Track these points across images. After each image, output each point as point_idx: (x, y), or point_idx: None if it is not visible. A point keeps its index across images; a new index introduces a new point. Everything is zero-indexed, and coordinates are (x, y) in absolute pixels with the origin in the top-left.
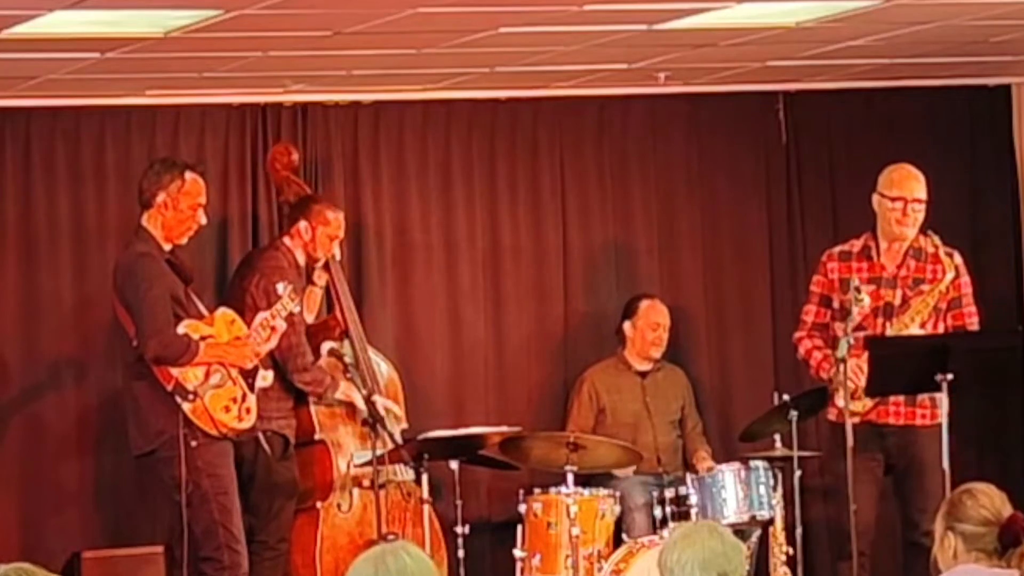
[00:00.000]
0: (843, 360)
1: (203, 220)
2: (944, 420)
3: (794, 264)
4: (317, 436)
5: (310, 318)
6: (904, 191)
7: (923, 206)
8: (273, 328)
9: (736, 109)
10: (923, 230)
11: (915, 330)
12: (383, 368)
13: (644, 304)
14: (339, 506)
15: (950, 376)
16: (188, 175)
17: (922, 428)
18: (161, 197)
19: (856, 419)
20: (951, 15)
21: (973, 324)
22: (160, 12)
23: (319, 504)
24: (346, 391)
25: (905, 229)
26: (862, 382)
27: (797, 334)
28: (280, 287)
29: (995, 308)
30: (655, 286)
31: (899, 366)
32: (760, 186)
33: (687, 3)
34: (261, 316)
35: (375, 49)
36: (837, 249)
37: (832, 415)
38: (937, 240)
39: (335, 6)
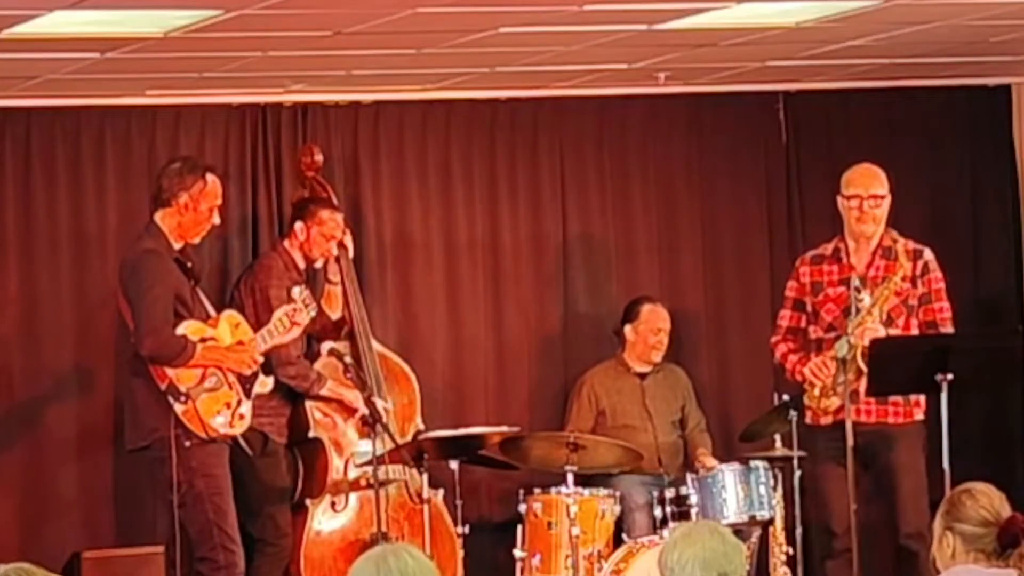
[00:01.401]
0: (843, 360)
1: (217, 221)
2: (944, 420)
3: (794, 264)
4: (311, 434)
5: (334, 316)
6: (859, 188)
7: (881, 201)
8: (297, 324)
9: (736, 109)
10: (887, 227)
11: (874, 326)
12: (388, 403)
13: (646, 308)
14: (333, 505)
15: (950, 376)
16: (210, 177)
17: (895, 427)
18: (183, 198)
19: (829, 418)
20: (951, 15)
21: (945, 320)
22: (160, 12)
23: (308, 502)
24: (333, 388)
25: (864, 226)
26: (828, 380)
27: (773, 339)
28: (296, 291)
29: (995, 308)
30: (655, 286)
31: (899, 366)
32: (760, 186)
33: (687, 3)
34: (282, 310)
35: (375, 49)
36: (810, 254)
37: (807, 418)
38: (895, 235)
39: (335, 6)
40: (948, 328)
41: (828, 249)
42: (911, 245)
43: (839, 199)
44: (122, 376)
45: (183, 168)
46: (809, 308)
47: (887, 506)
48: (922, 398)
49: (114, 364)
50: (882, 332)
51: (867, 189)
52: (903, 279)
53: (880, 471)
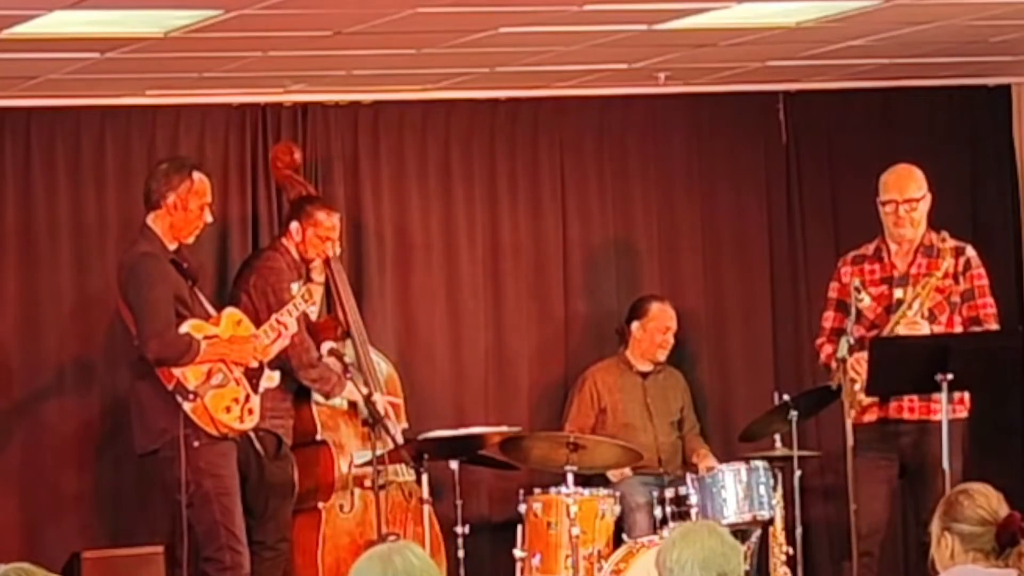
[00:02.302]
0: (843, 359)
1: (209, 219)
2: (944, 420)
3: (794, 264)
4: (319, 436)
5: (312, 315)
6: (893, 193)
7: (918, 204)
8: (285, 325)
9: (736, 109)
10: (932, 226)
11: (920, 321)
12: (383, 367)
13: (655, 306)
14: (340, 507)
15: (950, 376)
16: (196, 175)
17: (937, 424)
18: (171, 198)
19: (873, 416)
20: (951, 15)
21: (988, 316)
22: (160, 12)
23: (321, 505)
24: (353, 390)
25: (903, 230)
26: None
27: (818, 340)
28: (294, 287)
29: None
30: (655, 286)
31: (899, 366)
32: (760, 186)
33: (687, 3)
34: (274, 317)
35: (375, 49)
36: (851, 254)
37: (851, 417)
38: (945, 235)
39: (335, 6)
40: (992, 324)
41: (870, 249)
42: (952, 242)
43: (878, 202)
44: (123, 377)
45: (169, 168)
46: (845, 316)
47: (920, 503)
48: (966, 394)
49: (114, 364)
50: (925, 328)
51: (902, 193)
52: (944, 276)
53: (920, 468)
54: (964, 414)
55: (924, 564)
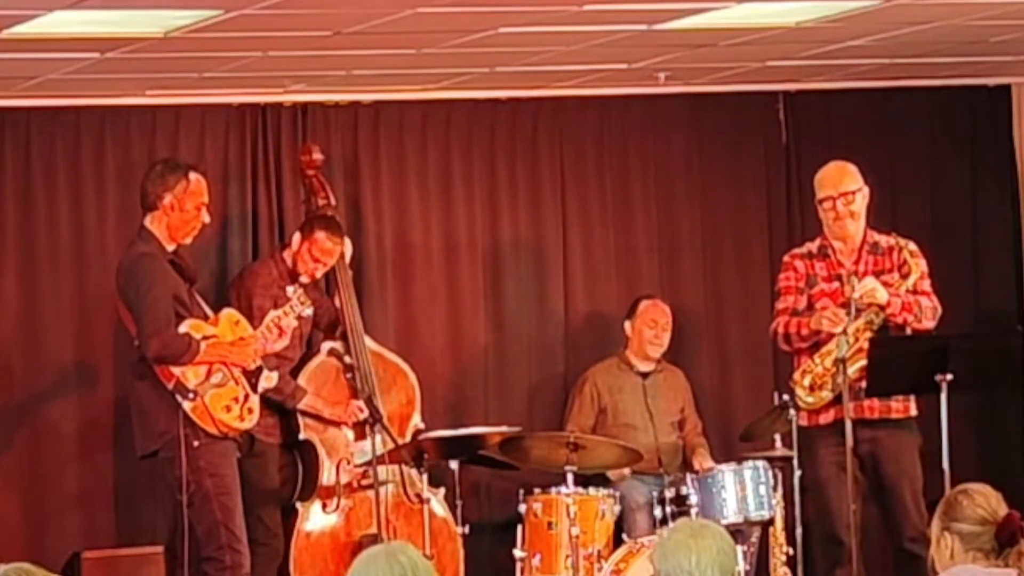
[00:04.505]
0: (843, 360)
1: (207, 219)
2: (944, 420)
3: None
4: (301, 436)
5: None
6: (826, 190)
7: (854, 196)
8: (281, 328)
9: (736, 109)
10: (871, 223)
11: (877, 286)
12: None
13: (644, 304)
14: (324, 506)
15: (950, 376)
16: (192, 175)
17: (896, 421)
18: (168, 199)
19: (829, 417)
20: (951, 15)
21: (926, 291)
22: (160, 12)
23: (299, 504)
24: (311, 402)
25: (843, 223)
26: (842, 326)
27: (774, 323)
28: (290, 290)
29: (995, 308)
30: (655, 286)
31: (899, 366)
32: (760, 186)
33: (687, 3)
34: (272, 315)
35: (375, 49)
36: (797, 251)
37: (802, 420)
38: (898, 238)
39: (335, 6)
40: (927, 302)
41: (814, 247)
42: (896, 240)
43: (816, 203)
44: (123, 376)
45: (164, 170)
46: (804, 299)
47: (887, 511)
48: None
49: (115, 364)
50: (882, 292)
51: (836, 188)
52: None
53: (880, 477)
54: (915, 412)
55: (904, 569)
